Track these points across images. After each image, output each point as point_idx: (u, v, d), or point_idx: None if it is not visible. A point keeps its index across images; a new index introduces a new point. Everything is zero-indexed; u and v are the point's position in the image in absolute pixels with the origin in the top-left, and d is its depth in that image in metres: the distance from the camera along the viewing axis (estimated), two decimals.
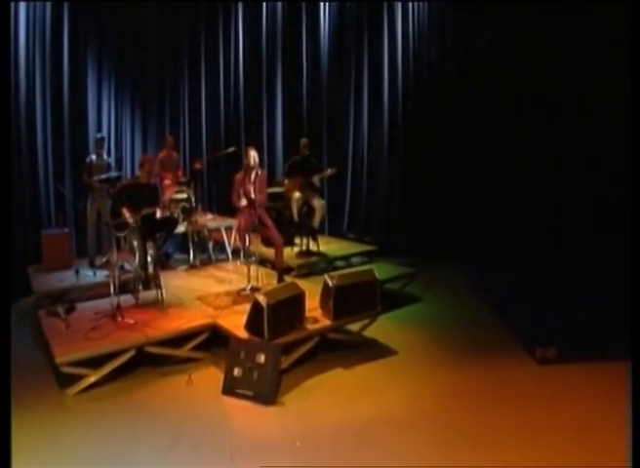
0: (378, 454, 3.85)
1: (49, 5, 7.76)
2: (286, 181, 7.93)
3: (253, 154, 6.21)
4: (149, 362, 5.24)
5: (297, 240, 8.13)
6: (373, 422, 4.29)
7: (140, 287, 6.13)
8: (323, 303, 5.51)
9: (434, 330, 6.32)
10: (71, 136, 8.15)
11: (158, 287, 6.14)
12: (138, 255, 6.03)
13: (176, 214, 7.84)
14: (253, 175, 6.23)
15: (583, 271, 7.61)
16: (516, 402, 4.55)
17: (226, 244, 8.13)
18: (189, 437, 4.10)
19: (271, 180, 9.25)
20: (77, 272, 6.89)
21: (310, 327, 5.24)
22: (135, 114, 9.12)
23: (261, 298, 4.80)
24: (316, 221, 7.79)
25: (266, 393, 4.56)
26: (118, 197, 6.07)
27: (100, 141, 7.46)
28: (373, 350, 5.71)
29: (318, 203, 7.77)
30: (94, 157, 7.38)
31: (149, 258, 6.10)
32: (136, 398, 4.76)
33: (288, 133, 9.51)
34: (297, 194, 7.72)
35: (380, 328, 6.11)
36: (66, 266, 7.13)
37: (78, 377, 4.79)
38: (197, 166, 8.42)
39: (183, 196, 7.97)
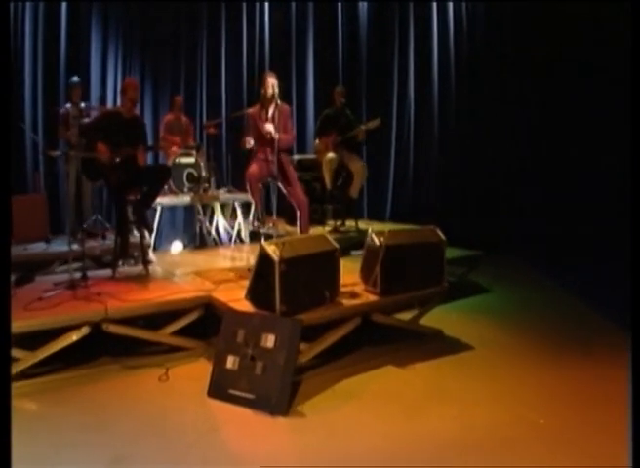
0: None
1: None
2: (316, 141, 6.27)
3: (272, 81, 4.60)
4: (120, 350, 3.67)
5: (330, 221, 6.45)
6: (449, 445, 2.57)
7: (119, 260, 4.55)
8: (366, 272, 3.80)
9: (512, 322, 4.57)
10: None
11: (143, 257, 4.56)
12: (115, 214, 4.48)
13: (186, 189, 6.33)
14: (272, 110, 4.62)
15: None
16: None
17: (241, 223, 6.48)
18: (141, 460, 2.43)
19: (301, 146, 7.76)
20: (47, 241, 5.35)
21: (347, 302, 3.53)
22: (145, 73, 7.73)
23: (272, 249, 3.12)
24: (355, 189, 6.06)
25: (275, 397, 2.85)
26: (91, 130, 4.53)
27: (74, 86, 5.89)
28: (436, 343, 3.98)
29: (357, 165, 6.02)
30: (68, 106, 5.89)
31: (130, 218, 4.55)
32: (84, 395, 3.19)
33: (321, 92, 7.83)
34: (330, 155, 6.03)
35: (443, 318, 4.41)
36: (43, 237, 5.59)
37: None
38: (211, 129, 6.90)
39: (190, 160, 6.42)
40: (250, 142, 4.65)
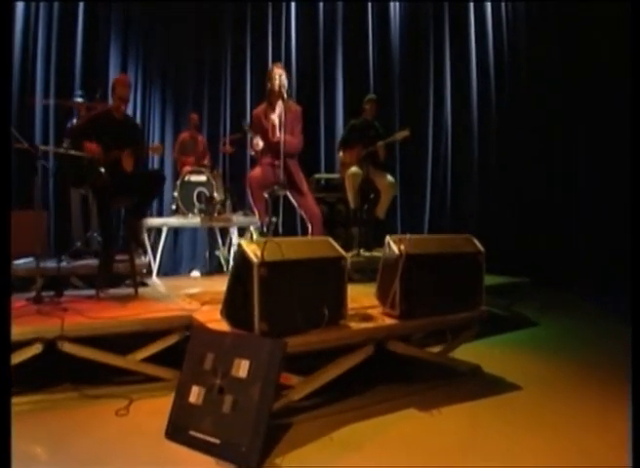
0: None
1: None
2: (340, 154, 5.62)
3: (279, 72, 4.01)
4: (91, 376, 3.06)
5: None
6: None
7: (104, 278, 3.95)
8: (383, 290, 3.05)
9: (564, 358, 3.69)
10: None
11: (133, 277, 3.96)
12: (99, 226, 3.92)
13: (196, 210, 5.75)
14: (279, 108, 4.02)
15: None
16: None
17: None
18: None
19: (329, 163, 7.11)
20: (36, 257, 4.81)
21: (355, 326, 2.77)
22: (166, 91, 7.39)
23: (252, 248, 2.42)
24: (381, 209, 5.31)
25: (245, 444, 2.10)
26: (80, 132, 4.03)
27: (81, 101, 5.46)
28: (472, 382, 3.15)
29: (384, 182, 5.25)
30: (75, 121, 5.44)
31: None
32: (27, 425, 2.54)
33: (351, 102, 7.12)
34: (353, 169, 5.31)
35: (483, 353, 3.60)
36: (40, 253, 5.03)
37: None
38: (227, 148, 6.37)
39: (201, 179, 5.87)
40: (259, 144, 4.05)
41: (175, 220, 5.62)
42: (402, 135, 5.14)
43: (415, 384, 3.04)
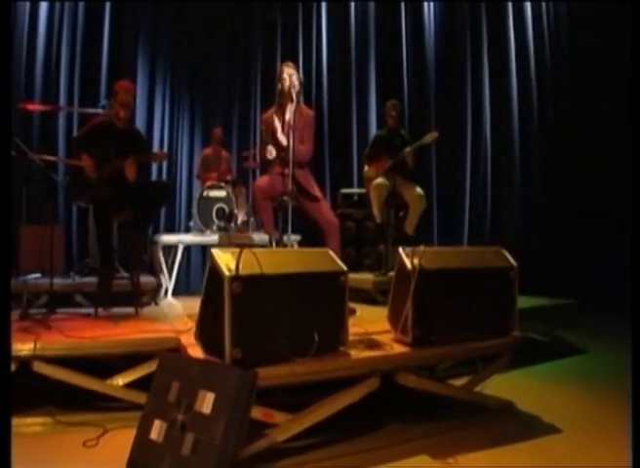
0: None
1: None
2: (366, 168, 5.23)
3: (289, 71, 3.66)
4: (69, 403, 2.78)
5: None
6: None
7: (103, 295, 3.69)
8: (395, 311, 2.61)
9: (615, 394, 3.05)
10: None
11: (135, 295, 3.68)
12: (97, 240, 3.65)
13: (214, 227, 5.46)
14: (289, 112, 3.66)
15: None
16: None
17: None
18: None
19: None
20: (43, 273, 4.61)
21: (356, 354, 2.34)
22: (195, 105, 7.24)
23: (226, 259, 2.04)
24: (410, 223, 4.85)
25: None
26: (81, 142, 3.81)
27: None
28: (503, 422, 2.63)
29: (413, 194, 4.78)
30: None
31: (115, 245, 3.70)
32: None
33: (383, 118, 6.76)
34: (378, 180, 4.88)
35: (519, 386, 3.10)
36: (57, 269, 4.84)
37: None
38: (251, 163, 6.09)
39: (220, 194, 5.59)
40: (272, 152, 3.71)
41: (191, 238, 5.35)
42: (430, 137, 4.69)
43: (434, 423, 2.56)
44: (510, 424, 2.59)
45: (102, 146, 3.69)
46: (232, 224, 5.55)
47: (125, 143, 3.74)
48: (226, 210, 5.54)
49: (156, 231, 6.51)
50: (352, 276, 4.99)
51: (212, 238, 5.31)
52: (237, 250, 2.12)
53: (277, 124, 3.69)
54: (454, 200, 6.41)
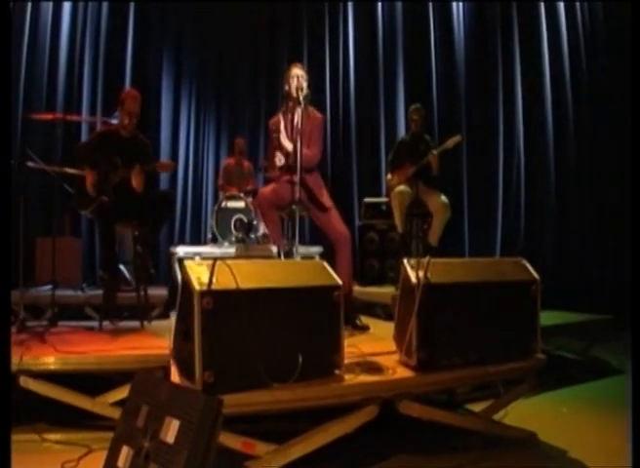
0: None
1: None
2: (389, 176, 4.98)
3: (297, 73, 3.47)
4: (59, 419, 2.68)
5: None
6: None
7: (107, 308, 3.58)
8: (400, 329, 2.35)
9: None
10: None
11: (140, 307, 3.55)
12: (100, 251, 3.54)
13: (233, 238, 5.31)
14: (297, 116, 3.46)
15: None
16: None
17: None
18: None
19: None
20: (55, 285, 4.55)
21: (352, 379, 2.08)
22: (220, 115, 7.19)
23: (198, 272, 1.84)
24: (434, 233, 4.56)
25: None
26: (82, 151, 3.71)
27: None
28: (524, 456, 2.32)
29: (437, 202, 4.51)
30: None
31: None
32: None
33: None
34: (400, 187, 4.63)
35: (544, 411, 2.79)
36: (74, 282, 4.81)
37: None
38: (272, 172, 5.90)
39: (239, 205, 5.44)
40: (281, 159, 3.53)
41: (208, 250, 5.20)
42: (454, 141, 4.45)
43: (443, 456, 2.28)
44: (531, 459, 2.28)
45: (108, 155, 3.59)
46: (252, 236, 5.39)
47: (131, 152, 3.63)
48: (245, 221, 5.38)
49: (181, 242, 6.45)
50: (372, 290, 4.85)
51: (229, 250, 5.16)
52: (234, 262, 1.93)
53: (282, 128, 3.52)
54: (485, 210, 6.04)
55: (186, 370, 1.85)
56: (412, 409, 2.12)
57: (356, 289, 5.09)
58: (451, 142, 4.42)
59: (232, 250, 5.14)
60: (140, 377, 1.96)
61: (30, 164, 3.66)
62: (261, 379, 1.84)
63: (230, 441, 1.90)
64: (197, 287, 1.78)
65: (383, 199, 5.63)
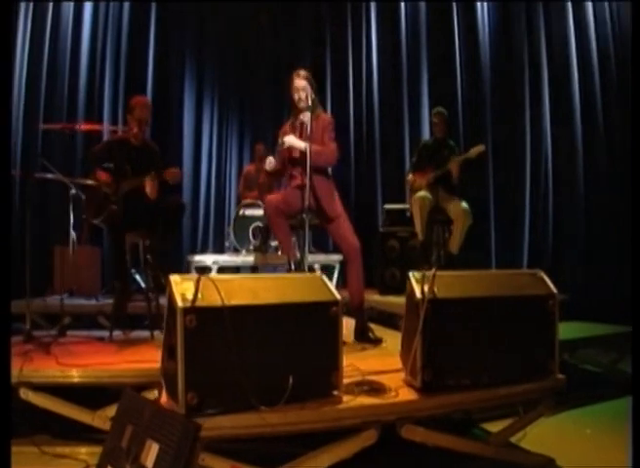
0: None
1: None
2: (410, 177, 4.83)
3: (299, 85, 3.36)
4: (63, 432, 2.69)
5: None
6: None
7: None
8: (406, 346, 2.22)
9: None
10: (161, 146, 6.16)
11: (150, 318, 3.50)
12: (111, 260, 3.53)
13: (251, 246, 5.23)
14: (307, 122, 3.33)
15: None
16: None
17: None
18: None
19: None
20: (71, 294, 4.57)
21: (349, 402, 1.95)
22: (243, 119, 7.19)
23: (182, 288, 1.75)
24: (454, 241, 4.39)
25: None
26: (92, 158, 3.69)
27: None
28: None
29: (457, 209, 4.37)
30: None
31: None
32: None
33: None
34: (420, 193, 4.50)
35: (565, 431, 2.63)
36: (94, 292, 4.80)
37: None
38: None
39: (257, 212, 5.36)
40: (271, 162, 3.44)
41: (226, 258, 5.15)
42: (477, 150, 4.30)
43: None
44: None
45: (118, 164, 3.57)
46: (271, 244, 5.31)
47: (141, 160, 3.59)
48: (263, 228, 5.30)
49: (204, 250, 6.42)
50: (393, 299, 4.69)
51: (247, 258, 5.09)
52: (219, 277, 1.84)
53: (287, 129, 3.44)
54: (512, 219, 5.78)
55: (172, 390, 1.76)
56: (415, 433, 1.99)
57: (376, 298, 4.98)
58: (474, 152, 4.28)
59: (251, 258, 5.07)
60: (128, 395, 1.90)
61: (49, 175, 3.69)
62: (248, 401, 1.73)
63: (218, 464, 1.81)
64: (180, 303, 1.69)
65: (405, 205, 5.48)
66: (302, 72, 3.41)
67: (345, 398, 1.96)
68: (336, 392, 1.98)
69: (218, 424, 1.71)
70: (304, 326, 1.92)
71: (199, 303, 1.70)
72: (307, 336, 1.92)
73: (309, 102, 3.31)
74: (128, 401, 1.86)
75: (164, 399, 1.90)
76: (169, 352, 1.78)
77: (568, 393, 2.53)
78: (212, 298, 1.74)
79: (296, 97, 3.38)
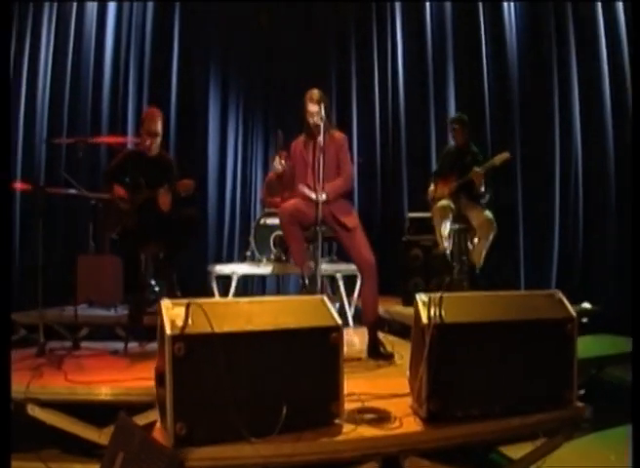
0: None
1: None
2: (431, 187, 4.71)
3: (312, 110, 3.33)
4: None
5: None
6: None
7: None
8: (413, 372, 2.12)
9: None
10: (187, 155, 6.09)
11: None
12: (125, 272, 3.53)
13: (272, 255, 5.18)
14: (321, 142, 3.25)
15: None
16: None
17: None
18: None
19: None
20: (90, 304, 4.59)
21: (349, 432, 1.86)
22: (268, 125, 7.17)
23: (172, 315, 1.70)
24: (478, 252, 4.23)
25: None
26: (109, 173, 3.73)
27: None
28: None
29: (481, 218, 4.24)
30: None
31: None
32: None
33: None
34: (442, 202, 4.38)
35: (589, 457, 2.43)
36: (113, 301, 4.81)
37: None
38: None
39: (278, 221, 5.29)
40: (280, 163, 3.43)
41: (245, 268, 5.09)
42: (501, 158, 4.15)
43: None
44: None
45: (133, 177, 3.58)
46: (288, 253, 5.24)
47: (155, 173, 3.59)
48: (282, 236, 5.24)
49: (229, 260, 6.40)
50: (412, 311, 4.56)
51: (267, 268, 5.04)
52: (209, 300, 1.78)
53: (309, 159, 3.42)
54: (541, 229, 5.54)
55: (163, 417, 1.71)
56: (420, 466, 1.88)
57: (399, 309, 4.86)
58: (498, 160, 4.13)
59: (270, 268, 5.01)
60: (122, 421, 1.86)
61: (72, 191, 3.73)
62: (239, 432, 1.66)
63: None
64: (169, 331, 1.63)
65: (428, 214, 5.34)
66: (315, 95, 3.35)
67: (345, 428, 1.87)
68: (337, 420, 1.89)
69: (208, 455, 1.65)
70: (302, 353, 1.84)
71: (189, 330, 1.65)
72: (305, 364, 1.85)
73: (322, 127, 3.24)
74: (121, 426, 1.83)
75: (159, 424, 1.85)
76: (160, 379, 1.73)
77: (595, 413, 2.39)
78: (202, 325, 1.68)
79: (310, 121, 3.36)
